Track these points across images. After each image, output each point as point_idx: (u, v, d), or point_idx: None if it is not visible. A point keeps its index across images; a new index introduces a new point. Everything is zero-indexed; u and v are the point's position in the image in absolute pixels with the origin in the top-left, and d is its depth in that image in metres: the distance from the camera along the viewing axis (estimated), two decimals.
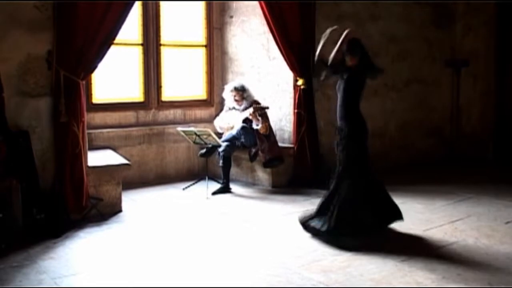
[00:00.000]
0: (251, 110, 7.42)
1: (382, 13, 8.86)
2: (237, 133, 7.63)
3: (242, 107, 7.69)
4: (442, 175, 8.62)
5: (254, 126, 7.51)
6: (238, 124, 7.66)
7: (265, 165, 7.58)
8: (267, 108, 7.56)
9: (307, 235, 5.63)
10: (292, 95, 7.77)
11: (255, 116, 7.44)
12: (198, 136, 7.26)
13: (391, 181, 7.96)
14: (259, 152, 7.52)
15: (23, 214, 5.44)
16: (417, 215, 6.34)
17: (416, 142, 9.44)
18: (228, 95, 7.80)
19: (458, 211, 6.51)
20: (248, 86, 7.84)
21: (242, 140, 7.59)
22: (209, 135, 7.20)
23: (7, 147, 5.44)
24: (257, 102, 7.63)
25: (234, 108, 7.83)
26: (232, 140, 7.63)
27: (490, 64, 9.72)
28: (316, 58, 5.81)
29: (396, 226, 5.91)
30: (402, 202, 6.83)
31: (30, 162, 5.83)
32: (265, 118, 7.51)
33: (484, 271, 4.68)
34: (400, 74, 9.21)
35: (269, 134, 7.56)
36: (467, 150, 9.72)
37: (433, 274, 4.59)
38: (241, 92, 7.70)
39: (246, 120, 7.60)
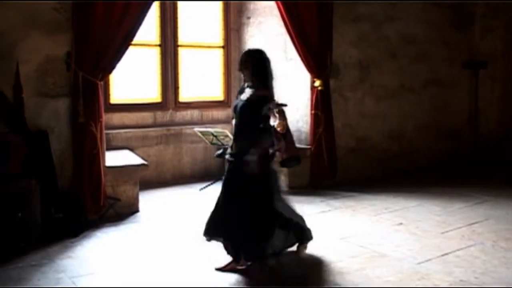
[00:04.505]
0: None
1: (400, 14, 8.82)
2: None
3: None
4: (460, 177, 8.56)
5: (271, 123, 7.50)
6: None
7: (282, 164, 7.55)
8: (286, 105, 7.54)
9: (324, 236, 5.62)
10: (309, 96, 7.76)
11: (272, 113, 7.44)
12: (215, 136, 7.28)
13: (408, 183, 7.98)
14: (276, 151, 7.51)
15: (41, 214, 5.49)
16: (435, 217, 6.30)
17: (434, 144, 9.39)
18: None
19: (476, 213, 6.47)
20: None
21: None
22: (226, 135, 7.22)
23: (26, 147, 5.49)
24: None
25: None
26: None
27: (509, 66, 9.65)
28: None
29: (413, 228, 5.89)
30: (419, 204, 6.83)
31: (49, 162, 5.88)
32: (282, 116, 7.50)
33: (502, 274, 4.64)
34: (418, 75, 9.17)
35: (286, 133, 7.55)
36: (485, 152, 9.65)
37: (450, 276, 4.57)
38: None
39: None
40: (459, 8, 9.62)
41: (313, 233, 5.71)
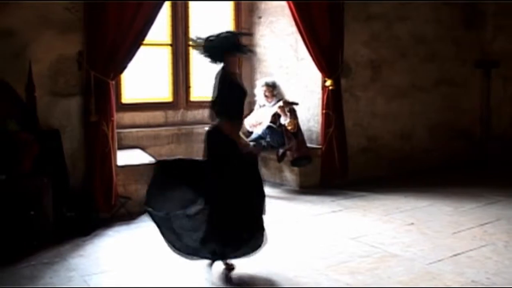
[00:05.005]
0: (280, 103, 7.45)
1: (411, 14, 8.79)
2: (262, 133, 7.64)
3: (272, 103, 7.71)
4: (472, 177, 8.52)
5: (282, 121, 7.51)
6: (266, 120, 7.68)
7: (293, 163, 7.58)
8: (297, 104, 7.56)
9: (335, 236, 5.63)
10: (320, 95, 7.75)
11: (283, 111, 7.46)
12: None
13: (420, 183, 7.96)
14: (287, 150, 7.52)
15: (53, 212, 5.52)
16: (446, 218, 6.28)
17: (445, 144, 9.34)
18: (259, 91, 7.84)
19: (488, 214, 6.44)
20: (279, 84, 7.90)
21: (268, 139, 7.59)
22: None
23: (38, 146, 5.52)
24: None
25: (264, 105, 7.86)
26: (258, 140, 7.64)
27: None
28: None
29: (424, 228, 5.88)
30: (431, 204, 6.81)
31: (61, 161, 5.91)
32: (293, 115, 7.51)
33: None
34: (429, 75, 9.13)
35: (297, 132, 7.55)
36: (497, 152, 9.59)
37: (461, 277, 4.55)
38: (272, 88, 7.73)
39: (275, 116, 7.61)
40: (470, 7, 9.56)
41: (325, 233, 5.73)
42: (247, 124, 8.03)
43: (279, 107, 7.44)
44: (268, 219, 6.22)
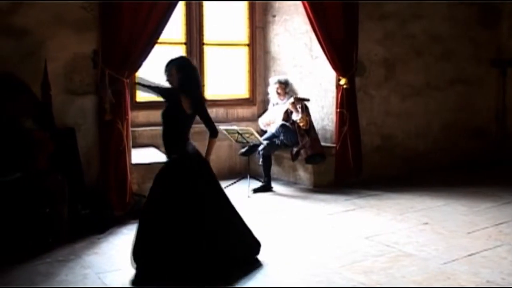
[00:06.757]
0: (291, 100, 7.46)
1: (426, 12, 8.74)
2: (276, 131, 7.65)
3: (284, 101, 7.73)
4: (487, 177, 8.46)
5: (294, 117, 7.52)
6: (279, 118, 7.68)
7: (307, 161, 7.58)
8: (308, 100, 7.55)
9: (349, 235, 5.61)
10: (334, 94, 7.74)
11: (295, 107, 7.46)
12: (241, 135, 7.29)
13: (434, 182, 7.92)
14: (301, 149, 7.51)
15: (68, 210, 5.55)
16: (461, 217, 6.24)
17: (460, 143, 9.29)
18: (272, 88, 7.87)
19: (503, 213, 6.39)
20: (292, 82, 7.90)
21: (282, 137, 7.60)
22: (251, 134, 7.23)
23: (54, 144, 5.55)
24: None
25: (277, 104, 7.87)
26: (271, 139, 7.65)
27: None
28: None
29: (439, 227, 5.85)
30: (445, 204, 6.78)
31: (76, 159, 5.95)
32: (305, 112, 7.51)
33: None
34: (444, 74, 9.08)
35: (310, 129, 7.55)
36: None
37: (476, 277, 4.52)
38: (284, 85, 7.77)
39: (287, 113, 7.61)
40: (486, 6, 9.50)
41: (339, 232, 5.72)
42: (261, 123, 8.06)
43: (291, 103, 7.45)
44: (282, 218, 6.26)
